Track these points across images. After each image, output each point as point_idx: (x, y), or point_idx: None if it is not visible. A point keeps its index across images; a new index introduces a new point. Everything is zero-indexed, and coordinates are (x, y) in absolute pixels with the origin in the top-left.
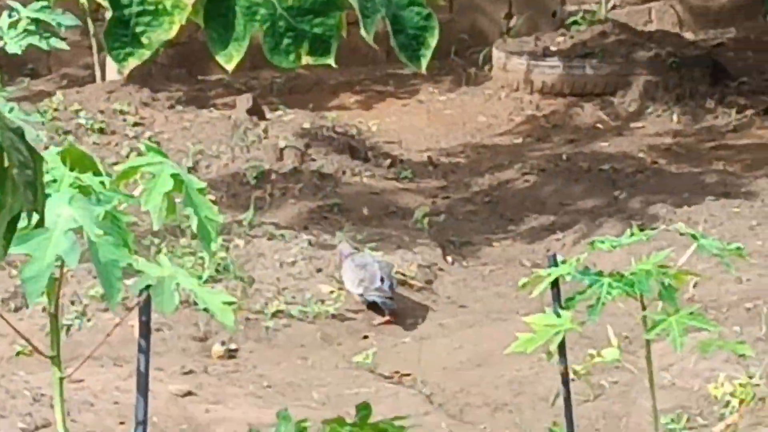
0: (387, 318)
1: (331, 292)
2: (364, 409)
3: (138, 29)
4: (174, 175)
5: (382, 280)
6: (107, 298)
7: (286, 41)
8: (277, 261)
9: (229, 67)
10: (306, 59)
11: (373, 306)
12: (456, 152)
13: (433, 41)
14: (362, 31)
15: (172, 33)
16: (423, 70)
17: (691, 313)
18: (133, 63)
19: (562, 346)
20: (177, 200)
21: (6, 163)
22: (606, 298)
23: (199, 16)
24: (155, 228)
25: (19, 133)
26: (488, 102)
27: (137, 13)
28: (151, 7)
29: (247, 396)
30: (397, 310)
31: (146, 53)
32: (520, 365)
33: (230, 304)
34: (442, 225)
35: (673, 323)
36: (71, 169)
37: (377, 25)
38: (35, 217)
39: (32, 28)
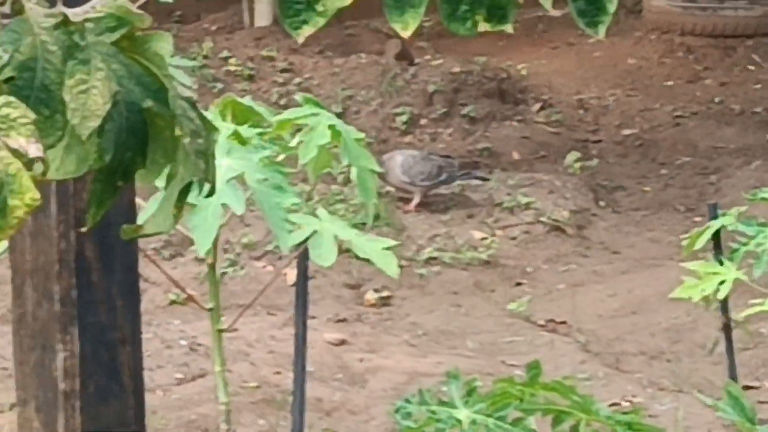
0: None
1: (483, 238)
2: (534, 368)
3: None
4: (331, 126)
5: (440, 169)
6: (277, 240)
7: (463, 8)
8: (429, 207)
9: (406, 34)
10: (483, 26)
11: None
12: (606, 95)
13: (612, 6)
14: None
15: (349, 0)
16: (602, 36)
17: None
18: (308, 31)
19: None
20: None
21: (178, 132)
22: None
23: None
24: (311, 181)
25: (191, 101)
26: (638, 44)
27: None
28: None
29: (401, 344)
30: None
31: (321, 21)
32: (676, 312)
33: (389, 249)
34: (594, 169)
35: None
36: (230, 120)
37: None
38: (206, 187)
39: None
